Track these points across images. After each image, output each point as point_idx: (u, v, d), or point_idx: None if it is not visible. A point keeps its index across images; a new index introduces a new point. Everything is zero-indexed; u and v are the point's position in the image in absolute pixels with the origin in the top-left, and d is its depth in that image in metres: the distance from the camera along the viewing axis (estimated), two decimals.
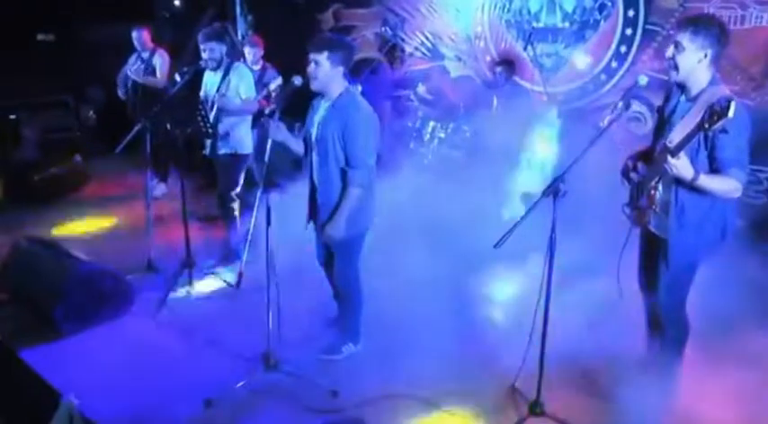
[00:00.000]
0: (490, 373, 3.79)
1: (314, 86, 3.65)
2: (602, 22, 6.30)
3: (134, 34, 7.05)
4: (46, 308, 4.20)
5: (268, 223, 3.49)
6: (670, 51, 3.01)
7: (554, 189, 2.98)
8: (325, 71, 3.57)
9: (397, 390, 3.66)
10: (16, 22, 8.54)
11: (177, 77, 5.42)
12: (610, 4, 6.22)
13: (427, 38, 7.77)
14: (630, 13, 6.08)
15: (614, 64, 6.29)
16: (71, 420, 3.27)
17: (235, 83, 5.06)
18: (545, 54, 6.71)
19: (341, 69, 3.61)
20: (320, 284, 4.27)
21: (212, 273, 5.09)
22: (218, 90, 5.07)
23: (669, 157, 2.79)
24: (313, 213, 3.91)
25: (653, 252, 3.30)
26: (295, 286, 4.60)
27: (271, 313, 3.64)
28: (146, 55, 7.08)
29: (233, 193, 5.22)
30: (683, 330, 3.36)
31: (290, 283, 4.47)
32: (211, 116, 5.06)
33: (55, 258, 4.48)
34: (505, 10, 7.02)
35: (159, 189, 7.26)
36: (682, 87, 3.10)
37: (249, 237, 3.48)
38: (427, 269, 4.66)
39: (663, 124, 3.21)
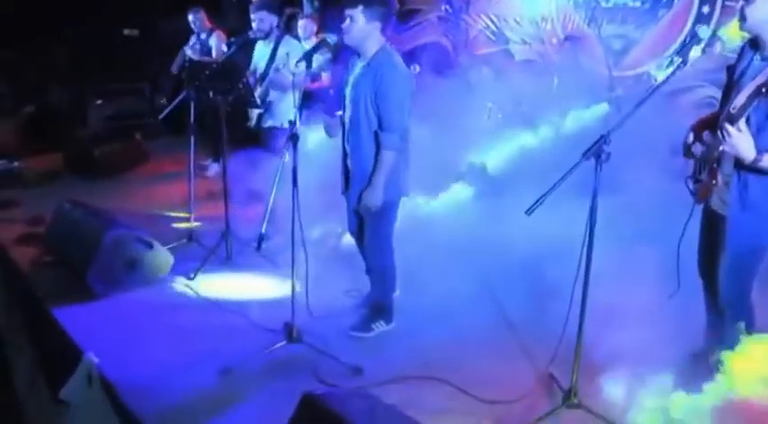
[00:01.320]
0: (525, 358, 3.51)
1: (348, 42, 3.49)
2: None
3: (190, 16, 7.09)
4: (81, 270, 4.20)
5: (294, 183, 3.33)
6: (740, 2, 2.66)
7: (596, 151, 2.67)
8: (360, 26, 3.42)
9: (425, 372, 3.42)
10: (104, 20, 9.07)
11: (224, 48, 5.36)
12: None
13: (492, 21, 7.47)
14: None
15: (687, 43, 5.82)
16: (90, 378, 3.28)
17: (282, 55, 4.95)
18: (614, 35, 6.30)
19: (377, 25, 3.45)
20: (354, 257, 4.09)
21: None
22: (268, 61, 4.98)
23: (728, 126, 2.45)
24: (346, 181, 3.73)
25: (714, 233, 2.97)
26: (327, 257, 4.54)
27: (295, 282, 3.49)
28: (204, 35, 7.12)
29: None
30: (746, 322, 2.98)
31: (323, 254, 4.41)
32: (259, 88, 4.97)
33: (93, 221, 4.48)
34: None
35: (213, 168, 7.26)
36: (754, 44, 2.74)
37: (271, 200, 3.32)
38: (465, 251, 4.43)
39: (731, 87, 2.84)
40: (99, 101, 8.98)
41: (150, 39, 9.41)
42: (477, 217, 5.02)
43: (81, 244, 4.35)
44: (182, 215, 5.68)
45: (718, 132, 2.66)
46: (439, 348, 3.63)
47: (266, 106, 5.01)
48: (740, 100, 2.57)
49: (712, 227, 2.98)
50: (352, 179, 3.64)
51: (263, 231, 3.22)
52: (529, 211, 2.65)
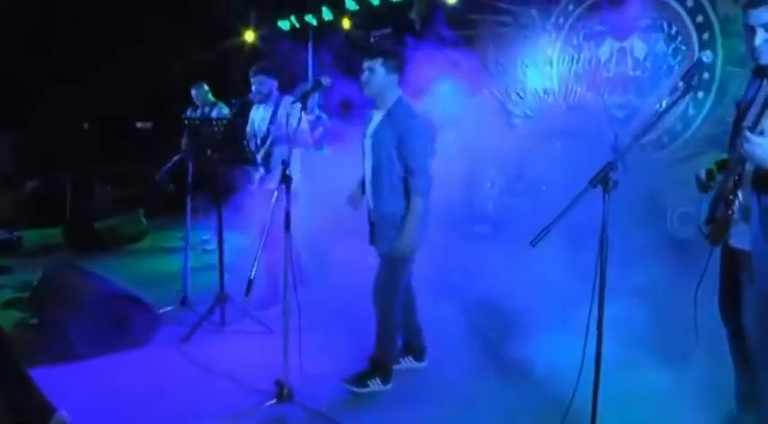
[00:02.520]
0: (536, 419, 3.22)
1: (367, 94, 3.59)
2: (676, 67, 5.88)
3: (193, 91, 7.16)
4: (65, 329, 3.99)
5: (287, 228, 3.19)
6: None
7: (603, 178, 2.52)
8: (380, 79, 3.51)
9: None
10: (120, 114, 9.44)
11: (224, 108, 5.37)
12: (684, 48, 5.81)
13: (494, 95, 7.54)
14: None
15: (691, 111, 5.81)
16: None
17: (282, 113, 4.93)
18: (616, 105, 6.31)
19: (396, 77, 3.55)
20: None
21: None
22: (269, 124, 4.96)
23: (747, 132, 2.34)
24: (372, 231, 3.69)
25: (737, 272, 2.77)
26: (329, 307, 4.34)
27: (288, 337, 3.28)
28: (207, 109, 7.17)
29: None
30: None
31: (323, 303, 4.27)
32: (262, 151, 4.93)
33: (80, 279, 4.31)
34: (575, 61, 6.73)
35: (213, 243, 7.13)
36: (760, 72, 2.66)
37: (262, 242, 3.17)
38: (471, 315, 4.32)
39: (740, 118, 2.74)
40: (108, 187, 9.08)
41: (163, 132, 9.63)
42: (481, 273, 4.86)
43: (66, 302, 4.16)
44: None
45: (732, 159, 2.54)
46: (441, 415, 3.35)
47: (269, 169, 4.94)
48: (753, 113, 2.46)
49: (734, 266, 2.78)
50: (376, 228, 3.62)
51: (252, 276, 3.04)
52: (534, 242, 2.48)
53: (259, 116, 5.11)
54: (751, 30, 2.60)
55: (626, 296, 3.52)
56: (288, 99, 5.02)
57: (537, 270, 4.83)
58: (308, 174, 5.05)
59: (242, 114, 5.05)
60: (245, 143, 4.64)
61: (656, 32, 5.98)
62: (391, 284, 3.59)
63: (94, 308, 4.01)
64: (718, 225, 2.76)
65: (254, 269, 3.05)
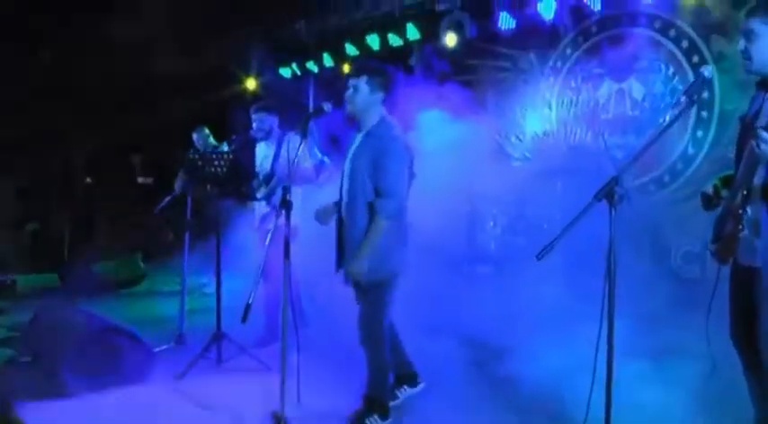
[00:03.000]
0: None
1: (350, 111, 3.46)
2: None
3: (194, 135, 7.16)
4: (56, 363, 3.87)
5: (286, 255, 3.13)
6: (741, 43, 2.61)
7: (608, 192, 2.48)
8: (363, 96, 3.40)
9: None
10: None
11: (225, 147, 5.37)
12: (681, 87, 5.86)
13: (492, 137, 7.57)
14: (705, 94, 5.68)
15: (691, 150, 5.82)
16: None
17: (286, 151, 4.92)
18: (616, 146, 6.32)
19: (380, 96, 3.43)
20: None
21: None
22: (272, 161, 4.96)
23: (761, 131, 2.30)
24: (339, 256, 3.53)
25: (749, 292, 2.67)
26: (328, 345, 4.25)
27: (284, 370, 3.18)
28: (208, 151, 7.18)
29: None
30: None
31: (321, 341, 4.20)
32: (263, 189, 4.91)
33: (72, 314, 4.22)
34: (574, 104, 6.79)
35: (211, 286, 7.02)
36: (765, 85, 2.65)
37: (260, 270, 3.10)
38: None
39: (746, 132, 2.70)
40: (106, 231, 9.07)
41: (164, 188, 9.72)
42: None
43: (57, 337, 4.06)
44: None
45: (742, 167, 2.51)
46: None
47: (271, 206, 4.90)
48: (762, 121, 2.43)
49: (744, 286, 2.69)
50: (346, 251, 3.45)
51: (250, 301, 2.96)
52: (539, 256, 2.43)
53: (262, 153, 5.11)
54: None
55: (632, 321, 3.42)
56: (291, 136, 5.03)
57: (539, 308, 4.77)
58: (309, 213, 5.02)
59: (243, 150, 5.04)
60: (247, 179, 4.60)
61: (653, 73, 6.04)
62: (369, 318, 3.41)
63: (85, 340, 3.91)
64: (726, 242, 2.70)
65: (252, 295, 2.96)
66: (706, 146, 5.71)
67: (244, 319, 2.96)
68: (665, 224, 5.87)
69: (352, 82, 3.41)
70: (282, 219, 3.17)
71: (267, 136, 5.01)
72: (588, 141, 6.57)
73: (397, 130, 3.45)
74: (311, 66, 8.44)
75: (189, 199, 4.72)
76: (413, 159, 3.45)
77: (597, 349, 2.48)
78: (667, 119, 2.55)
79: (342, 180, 3.54)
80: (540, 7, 6.48)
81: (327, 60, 8.17)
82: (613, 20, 6.32)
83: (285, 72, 8.79)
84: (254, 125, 4.98)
